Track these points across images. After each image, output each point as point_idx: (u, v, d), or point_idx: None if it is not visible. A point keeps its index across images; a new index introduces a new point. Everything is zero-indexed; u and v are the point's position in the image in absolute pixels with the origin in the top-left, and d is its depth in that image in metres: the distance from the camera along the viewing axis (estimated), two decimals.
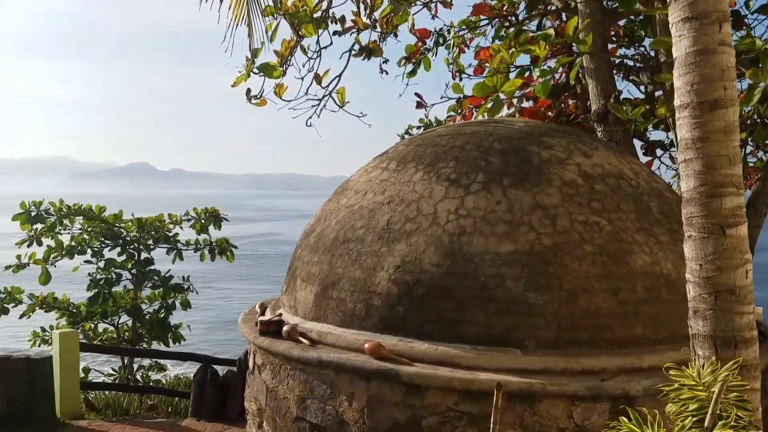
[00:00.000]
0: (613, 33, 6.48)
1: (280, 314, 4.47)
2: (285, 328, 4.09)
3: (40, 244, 9.97)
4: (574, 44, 5.02)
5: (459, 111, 6.83)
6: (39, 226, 9.89)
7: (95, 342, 9.85)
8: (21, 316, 9.99)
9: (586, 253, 3.59)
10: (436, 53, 6.16)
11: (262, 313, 4.77)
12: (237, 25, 4.04)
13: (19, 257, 9.86)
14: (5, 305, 9.74)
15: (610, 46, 6.12)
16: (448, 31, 6.07)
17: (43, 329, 9.99)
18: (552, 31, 5.40)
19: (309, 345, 3.87)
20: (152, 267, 10.43)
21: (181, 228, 10.95)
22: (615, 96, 5.27)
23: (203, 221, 10.93)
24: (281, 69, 4.87)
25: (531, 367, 3.33)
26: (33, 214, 9.78)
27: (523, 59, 5.59)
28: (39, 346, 10.05)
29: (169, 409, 8.25)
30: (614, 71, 5.73)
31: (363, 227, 3.99)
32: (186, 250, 10.84)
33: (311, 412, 3.74)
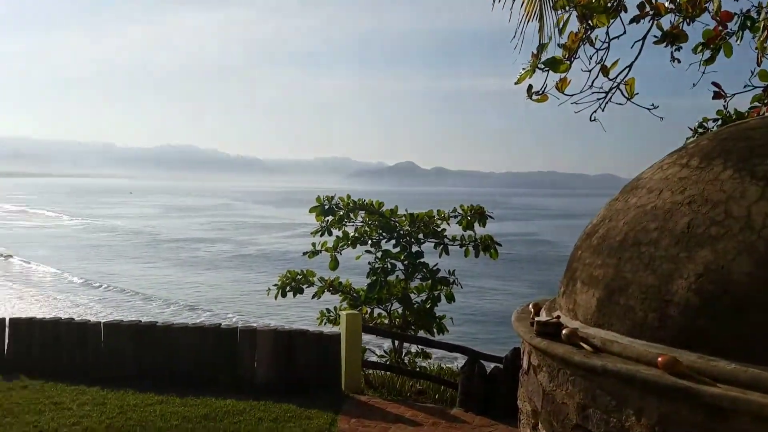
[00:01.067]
0: None
1: (558, 316, 4.34)
2: (564, 332, 3.95)
3: (330, 234, 11.27)
4: None
5: (766, 101, 5.95)
6: (330, 218, 11.19)
7: (370, 325, 10.78)
8: (313, 297, 11.39)
9: None
10: (741, 37, 5.38)
11: (537, 314, 4.69)
12: (528, 21, 4.01)
13: (313, 245, 11.26)
14: (301, 285, 11.20)
15: None
16: (758, 12, 5.25)
17: (328, 310, 11.25)
18: None
19: (591, 351, 3.68)
20: (422, 260, 11.06)
21: (448, 224, 11.42)
22: None
23: (469, 218, 11.23)
24: (568, 63, 4.72)
25: None
26: (326, 207, 11.10)
27: None
28: (324, 324, 11.37)
29: (436, 396, 8.67)
30: None
31: (657, 229, 3.66)
32: (452, 245, 11.25)
33: (593, 422, 3.55)
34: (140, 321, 9.29)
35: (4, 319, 9.05)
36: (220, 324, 8.96)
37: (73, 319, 9.41)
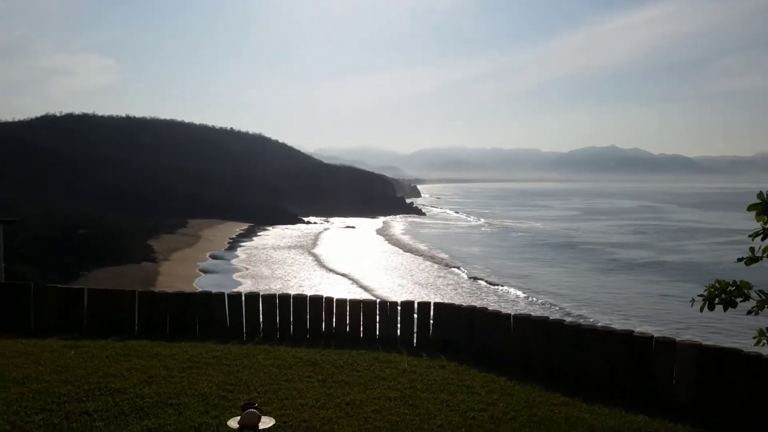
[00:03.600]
0: None
1: None
2: None
3: None
4: None
5: None
6: None
7: None
8: (748, 312, 9.45)
9: None
10: None
11: None
12: None
13: (752, 250, 9.33)
14: (733, 298, 9.42)
15: None
16: None
17: None
18: None
19: None
20: None
21: None
22: None
23: None
24: None
25: None
26: None
27: None
28: (763, 345, 9.31)
29: None
30: None
31: None
32: None
33: None
34: (548, 317, 9.18)
35: (429, 303, 10.11)
36: (632, 331, 8.14)
37: (486, 308, 9.90)
